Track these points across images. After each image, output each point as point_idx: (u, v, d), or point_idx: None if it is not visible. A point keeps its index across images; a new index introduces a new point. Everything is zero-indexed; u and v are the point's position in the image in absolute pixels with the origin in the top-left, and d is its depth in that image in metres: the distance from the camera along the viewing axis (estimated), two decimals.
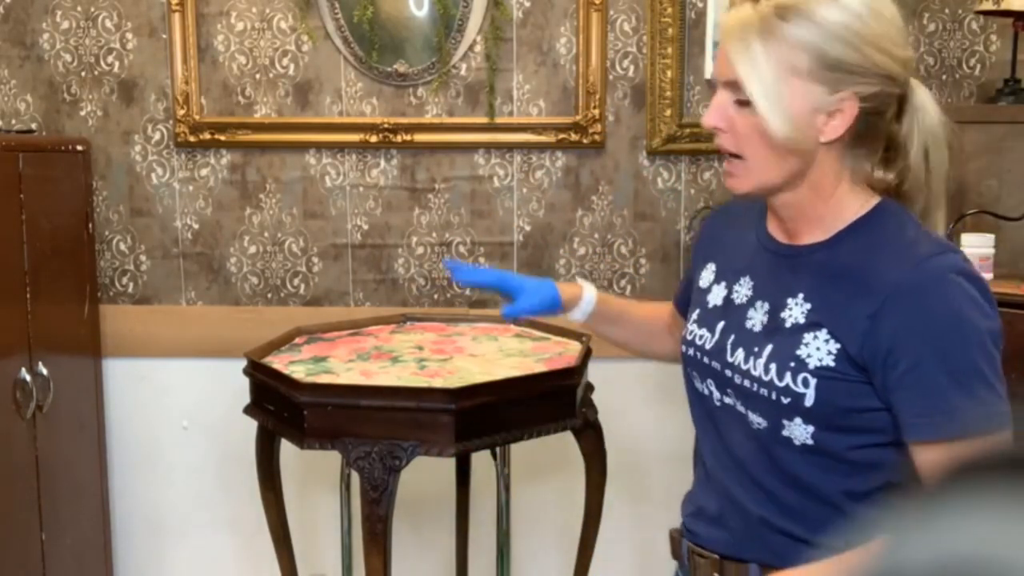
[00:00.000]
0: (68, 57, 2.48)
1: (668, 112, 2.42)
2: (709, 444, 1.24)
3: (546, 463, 2.54)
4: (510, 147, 2.48)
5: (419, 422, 1.62)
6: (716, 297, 1.24)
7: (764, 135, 1.07)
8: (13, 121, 2.48)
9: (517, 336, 2.17)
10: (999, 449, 0.40)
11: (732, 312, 1.20)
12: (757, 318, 1.16)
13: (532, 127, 2.45)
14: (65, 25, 2.47)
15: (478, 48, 2.44)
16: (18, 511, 2.14)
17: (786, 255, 1.17)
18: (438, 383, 1.74)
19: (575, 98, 2.45)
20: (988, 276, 1.98)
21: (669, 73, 2.41)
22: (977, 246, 1.98)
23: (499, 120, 2.45)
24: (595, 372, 2.03)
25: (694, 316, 1.27)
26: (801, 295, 1.12)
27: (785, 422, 1.10)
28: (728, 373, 1.18)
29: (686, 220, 2.47)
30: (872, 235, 1.11)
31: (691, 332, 1.26)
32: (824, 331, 1.09)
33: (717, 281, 1.26)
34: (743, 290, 1.20)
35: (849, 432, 1.09)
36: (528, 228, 2.50)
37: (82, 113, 2.50)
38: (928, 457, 1.04)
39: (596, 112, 2.43)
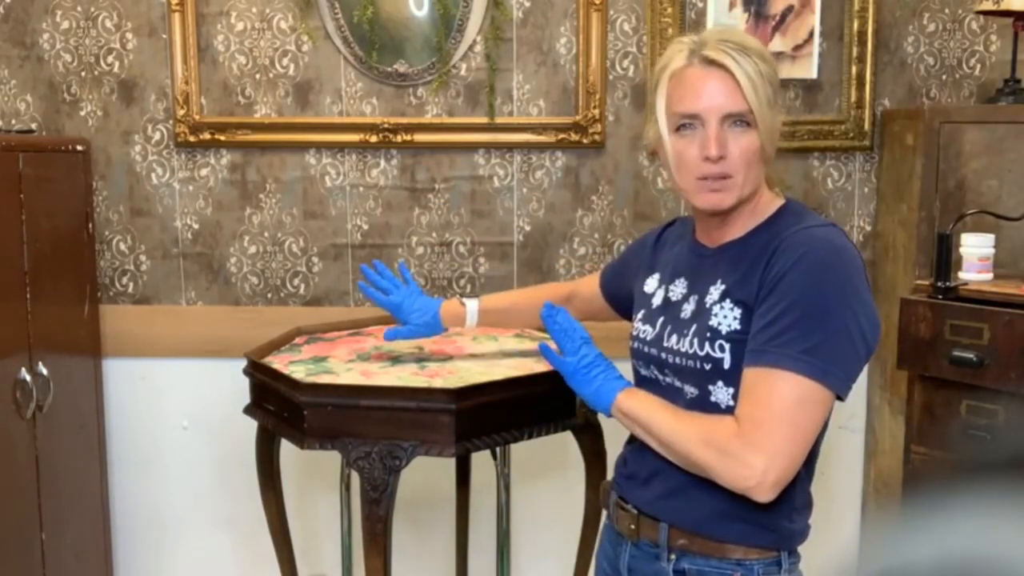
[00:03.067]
0: (68, 57, 2.48)
1: None
2: None
3: (546, 463, 2.54)
4: (510, 147, 2.48)
5: (419, 422, 1.62)
6: (658, 299, 1.45)
7: (753, 153, 1.28)
8: (13, 121, 2.48)
9: (517, 336, 2.17)
10: (1000, 449, 0.40)
11: (670, 308, 1.41)
12: (688, 308, 1.37)
13: (532, 127, 2.45)
14: (65, 25, 2.47)
15: (478, 48, 2.44)
16: (18, 511, 2.14)
17: (710, 255, 1.38)
18: (438, 383, 1.74)
19: (575, 98, 2.45)
20: (988, 276, 1.98)
21: None
22: (977, 246, 1.98)
23: (499, 120, 2.45)
24: None
25: (640, 316, 1.47)
26: (719, 280, 1.32)
27: (711, 387, 1.30)
28: (664, 356, 1.37)
29: None
30: (777, 224, 1.33)
31: (637, 329, 1.46)
32: (729, 300, 1.29)
33: (660, 286, 1.46)
34: (679, 289, 1.41)
35: None
36: (528, 228, 2.50)
37: (82, 113, 2.50)
38: (751, 380, 1.22)
39: (596, 112, 2.44)
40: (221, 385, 2.49)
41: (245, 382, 1.87)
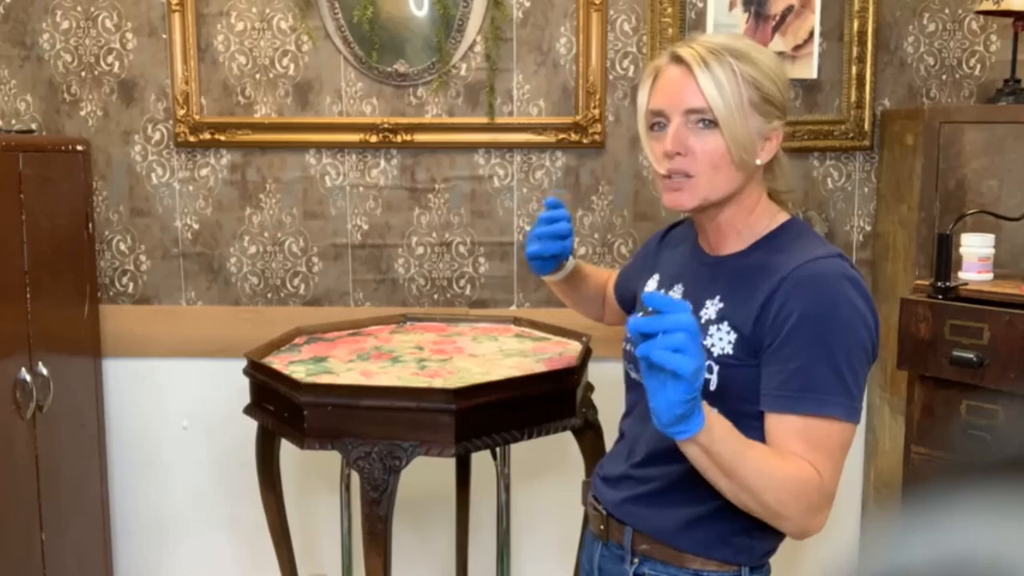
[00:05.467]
0: (68, 57, 2.48)
1: None
2: (638, 425, 1.39)
3: (546, 463, 2.54)
4: (510, 147, 2.48)
5: (419, 422, 1.63)
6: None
7: (720, 155, 1.25)
8: (13, 121, 2.48)
9: (517, 336, 2.17)
10: (1000, 449, 0.40)
11: None
12: None
13: (532, 127, 2.45)
14: (65, 25, 2.47)
15: (478, 48, 2.44)
16: (18, 511, 2.14)
17: (709, 264, 1.36)
18: (438, 383, 1.74)
19: (575, 98, 2.45)
20: (988, 276, 1.98)
21: None
22: (977, 246, 1.98)
23: (499, 120, 2.45)
24: (595, 372, 2.03)
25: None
26: (718, 296, 1.30)
27: None
28: None
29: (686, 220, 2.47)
30: (777, 243, 1.30)
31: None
32: (726, 323, 1.26)
33: (658, 288, 1.44)
34: (675, 294, 1.38)
35: (748, 417, 1.21)
36: (528, 228, 2.50)
37: (82, 113, 2.50)
38: (777, 428, 1.19)
39: (596, 112, 2.43)
40: (221, 385, 2.49)
41: (245, 382, 1.87)
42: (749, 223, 1.32)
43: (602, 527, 1.40)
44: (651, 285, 1.46)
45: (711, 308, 1.29)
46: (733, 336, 1.25)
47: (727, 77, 1.23)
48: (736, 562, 1.30)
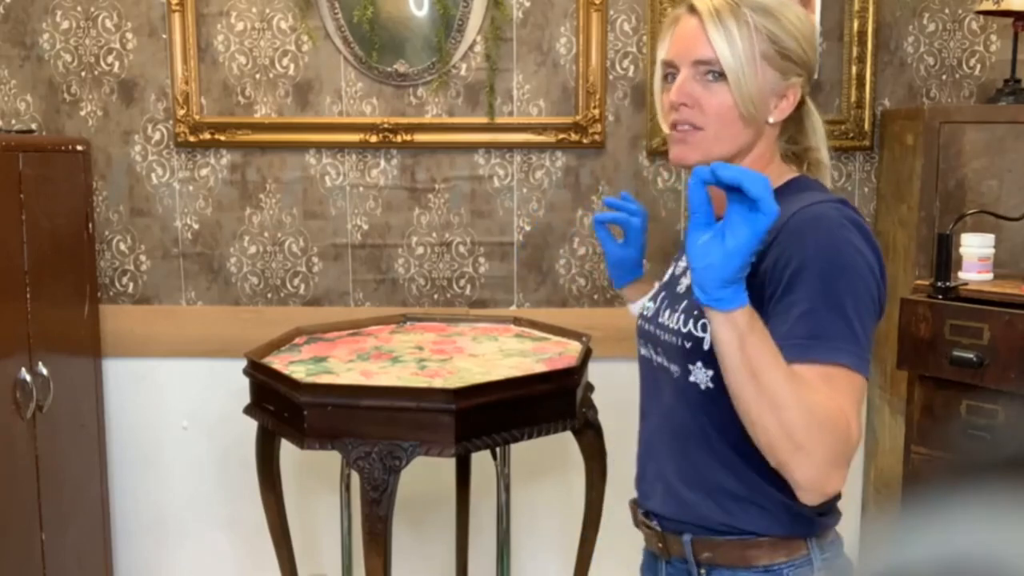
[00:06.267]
0: (68, 57, 2.48)
1: None
2: (650, 406, 1.34)
3: (546, 463, 2.54)
4: (510, 147, 2.48)
5: (419, 422, 1.62)
6: (667, 275, 1.39)
7: (728, 109, 1.20)
8: (13, 121, 2.48)
9: (517, 336, 2.17)
10: (1000, 449, 0.40)
11: (671, 283, 1.34)
12: (684, 283, 1.29)
13: (532, 127, 2.45)
14: (65, 25, 2.47)
15: (478, 48, 2.44)
16: (18, 511, 2.14)
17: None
18: (438, 383, 1.74)
19: (575, 98, 2.45)
20: (988, 276, 1.98)
21: None
22: (977, 246, 1.98)
23: (499, 120, 2.45)
24: (595, 372, 2.03)
25: (650, 294, 1.41)
26: None
27: (691, 367, 1.21)
28: (657, 332, 1.30)
29: (686, 220, 2.47)
30: (781, 197, 1.19)
31: (642, 307, 1.40)
32: None
33: (673, 261, 1.40)
34: (682, 263, 1.33)
35: None
36: (528, 228, 2.50)
37: (82, 113, 2.50)
38: (828, 375, 1.07)
39: (596, 112, 2.43)
40: (221, 385, 2.49)
41: (245, 382, 1.87)
42: None
43: (660, 545, 1.32)
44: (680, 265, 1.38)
45: None
46: None
47: (740, 30, 1.18)
48: (797, 534, 1.21)
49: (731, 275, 0.98)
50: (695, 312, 1.21)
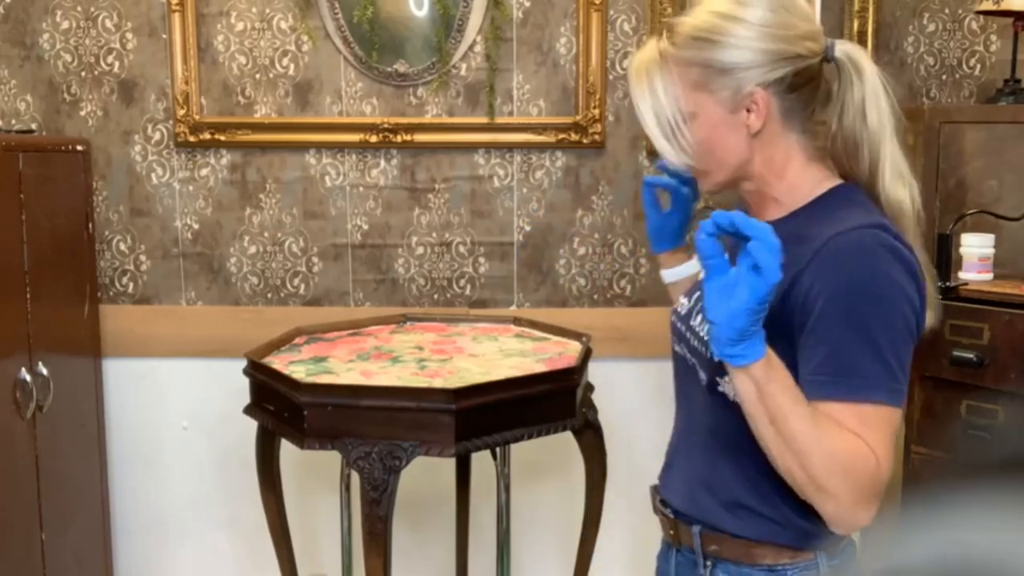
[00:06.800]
0: (68, 57, 2.48)
1: None
2: (682, 404, 1.34)
3: (546, 463, 2.54)
4: (510, 147, 2.48)
5: (419, 422, 1.63)
6: (700, 270, 1.35)
7: (703, 144, 1.19)
8: (13, 121, 2.48)
9: (517, 336, 2.17)
10: (1000, 449, 0.40)
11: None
12: None
13: (532, 127, 2.45)
14: (65, 25, 2.47)
15: (478, 48, 2.44)
16: (18, 511, 2.14)
17: None
18: (438, 383, 1.74)
19: (575, 98, 2.45)
20: (988, 276, 1.98)
21: None
22: (977, 246, 1.98)
23: (499, 120, 2.45)
24: (595, 372, 2.04)
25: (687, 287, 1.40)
26: None
27: (718, 379, 1.19)
28: (688, 335, 1.28)
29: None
30: (820, 211, 1.18)
31: (679, 302, 1.38)
32: None
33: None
34: None
35: None
36: (528, 228, 2.50)
37: (82, 113, 2.50)
38: (839, 416, 1.06)
39: (596, 112, 2.44)
40: (221, 385, 2.49)
41: (245, 382, 1.87)
42: (785, 189, 1.21)
43: (672, 532, 1.32)
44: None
45: None
46: None
47: (661, 77, 1.18)
48: (807, 547, 1.20)
49: (737, 335, 0.99)
50: None
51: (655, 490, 1.38)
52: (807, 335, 1.10)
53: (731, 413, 1.17)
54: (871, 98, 1.17)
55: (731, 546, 1.23)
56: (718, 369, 1.17)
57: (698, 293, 1.30)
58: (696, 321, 1.26)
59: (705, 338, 1.20)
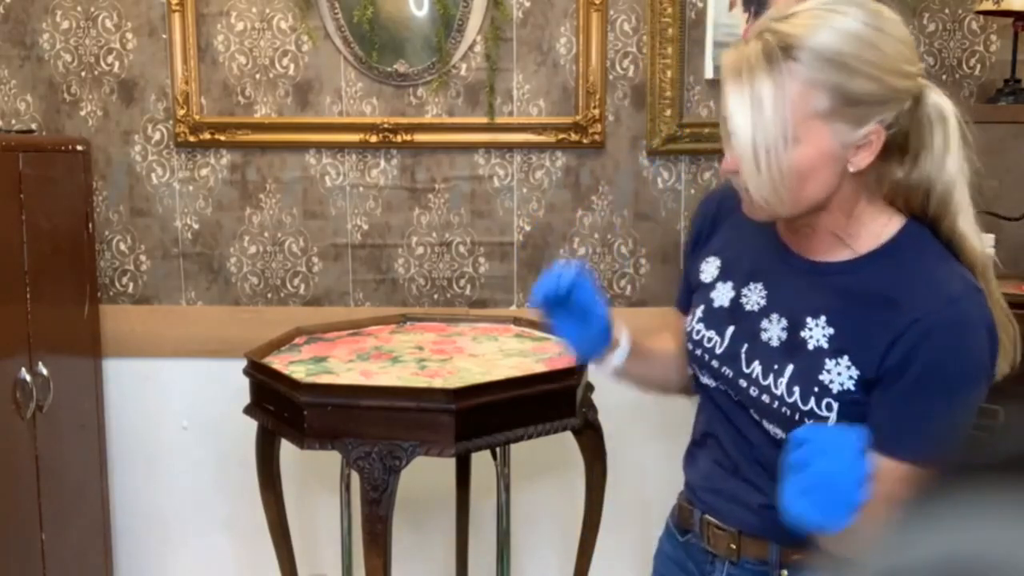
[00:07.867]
0: (68, 57, 2.48)
1: (668, 112, 2.42)
2: (727, 434, 1.23)
3: (546, 463, 2.54)
4: (510, 147, 2.48)
5: (419, 422, 1.63)
6: (722, 297, 1.23)
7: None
8: (13, 121, 2.48)
9: (517, 336, 2.17)
10: (1000, 449, 0.40)
11: (742, 318, 1.20)
12: (773, 332, 1.16)
13: (532, 127, 2.45)
14: (65, 25, 2.47)
15: (478, 48, 2.44)
16: (18, 511, 2.14)
17: (806, 271, 1.15)
18: (438, 383, 1.74)
19: (575, 98, 2.45)
20: None
21: (669, 73, 2.41)
22: None
23: (499, 120, 2.45)
24: (595, 372, 2.03)
25: (698, 313, 1.25)
26: (823, 317, 1.11)
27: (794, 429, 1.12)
28: (743, 383, 1.18)
29: (686, 220, 2.47)
30: (899, 261, 1.10)
31: (697, 331, 1.24)
32: (846, 357, 1.09)
33: (722, 279, 1.24)
34: (754, 296, 1.19)
35: None
36: (528, 228, 2.50)
37: (82, 113, 2.50)
38: (883, 469, 1.01)
39: (596, 112, 2.43)
40: (221, 385, 2.49)
41: (245, 382, 1.87)
42: (851, 230, 1.12)
43: (733, 546, 1.23)
44: (710, 270, 1.26)
45: (816, 331, 1.11)
46: (855, 373, 1.08)
47: (772, 91, 1.01)
48: None
49: (853, 510, 0.94)
50: (815, 390, 1.10)
51: (690, 506, 1.30)
52: (886, 387, 1.07)
53: None
54: (954, 147, 1.09)
55: (813, 553, 1.16)
56: (797, 424, 1.11)
57: (732, 329, 1.20)
58: (756, 371, 1.16)
59: (780, 394, 1.13)
